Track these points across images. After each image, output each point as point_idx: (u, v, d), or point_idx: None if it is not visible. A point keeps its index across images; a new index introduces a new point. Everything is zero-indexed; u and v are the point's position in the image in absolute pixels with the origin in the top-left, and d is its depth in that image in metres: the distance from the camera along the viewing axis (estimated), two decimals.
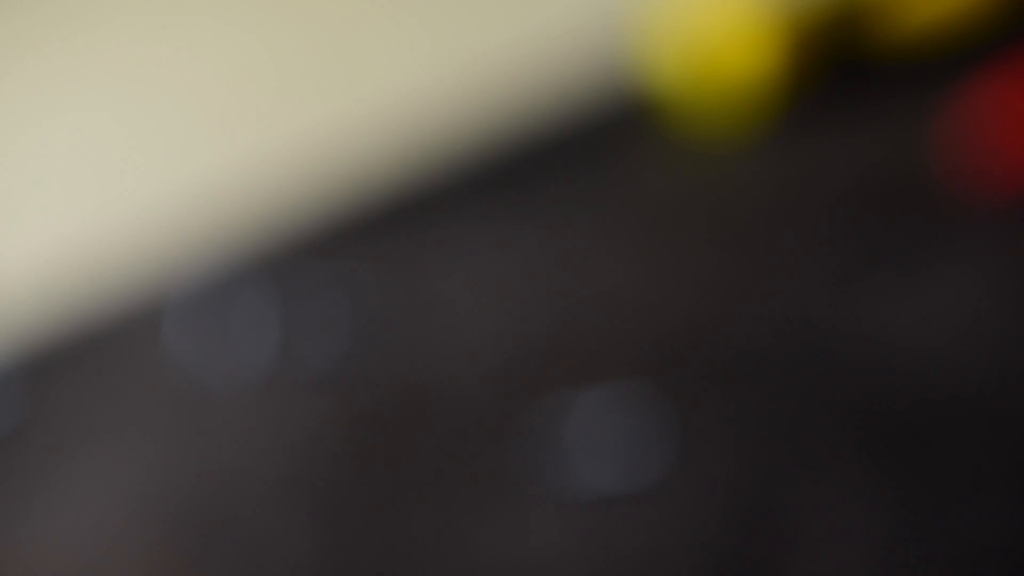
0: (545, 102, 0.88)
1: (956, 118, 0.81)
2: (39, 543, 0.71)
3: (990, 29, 0.85)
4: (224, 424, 0.75)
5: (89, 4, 0.95)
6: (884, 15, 0.86)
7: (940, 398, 0.67)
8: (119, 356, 0.80)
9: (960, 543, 0.61)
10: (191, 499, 0.72)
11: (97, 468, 0.74)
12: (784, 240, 0.78)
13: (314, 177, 0.87)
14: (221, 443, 0.74)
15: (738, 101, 0.85)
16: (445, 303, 0.79)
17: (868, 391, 0.69)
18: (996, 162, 0.78)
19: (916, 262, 0.74)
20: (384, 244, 0.83)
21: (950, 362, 0.69)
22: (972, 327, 0.70)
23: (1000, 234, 0.75)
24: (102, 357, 0.80)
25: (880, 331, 0.71)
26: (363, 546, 0.68)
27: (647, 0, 0.90)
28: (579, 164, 0.85)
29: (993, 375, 0.68)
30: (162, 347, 0.80)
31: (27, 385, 0.79)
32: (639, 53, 0.89)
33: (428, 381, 0.75)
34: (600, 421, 0.70)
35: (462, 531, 0.67)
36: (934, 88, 0.83)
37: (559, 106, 0.88)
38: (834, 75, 0.86)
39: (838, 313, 0.73)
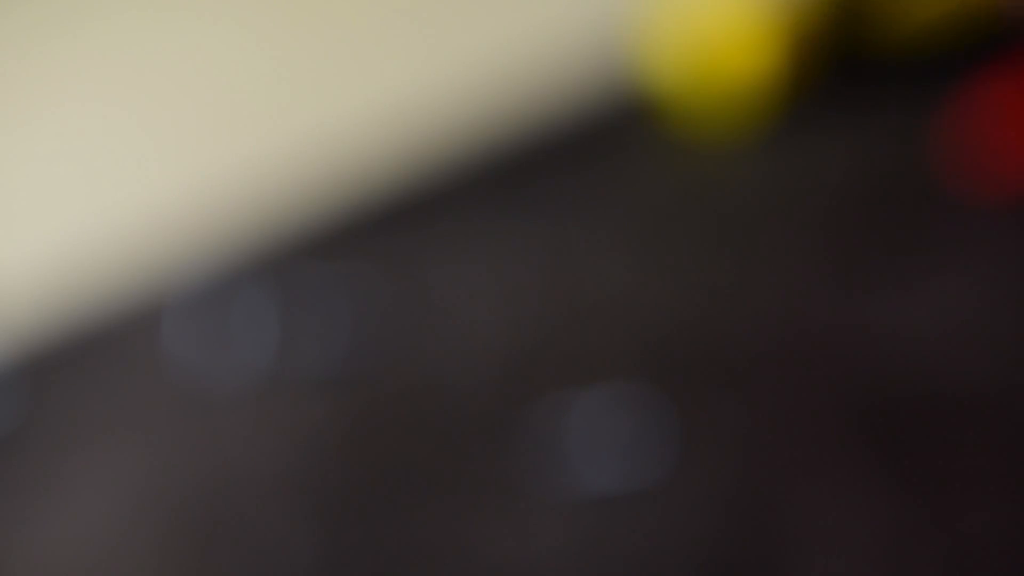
0: (545, 103, 0.88)
1: (956, 118, 0.81)
2: (39, 543, 0.71)
3: (990, 29, 0.85)
4: (224, 424, 0.75)
5: (89, 5, 0.95)
6: (884, 15, 0.86)
7: (940, 398, 0.67)
8: (119, 356, 0.80)
9: (960, 543, 0.61)
10: (191, 499, 0.72)
11: (97, 468, 0.74)
12: (784, 240, 0.78)
13: (314, 177, 0.87)
14: (221, 443, 0.74)
15: (738, 101, 0.85)
16: (445, 303, 0.79)
17: (868, 391, 0.69)
18: (996, 162, 0.78)
19: (916, 262, 0.74)
20: (384, 244, 0.83)
21: (950, 362, 0.69)
22: (972, 327, 0.70)
23: (1000, 234, 0.75)
24: (102, 357, 0.80)
25: (880, 331, 0.71)
26: (363, 545, 0.68)
27: (648, 0, 0.90)
28: (579, 165, 0.85)
29: (993, 375, 0.68)
30: (162, 347, 0.80)
31: (27, 385, 0.79)
32: (640, 53, 0.89)
33: (428, 381, 0.75)
34: (600, 421, 0.70)
35: (462, 531, 0.67)
36: (934, 88, 0.83)
37: (559, 107, 0.88)
38: (834, 75, 0.86)
39: (838, 313, 0.73)
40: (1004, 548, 0.60)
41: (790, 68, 0.86)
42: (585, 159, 0.85)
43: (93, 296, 0.83)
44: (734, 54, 0.85)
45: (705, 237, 0.79)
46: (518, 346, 0.75)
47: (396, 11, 0.95)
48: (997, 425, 0.66)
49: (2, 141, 0.92)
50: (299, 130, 0.90)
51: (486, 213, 0.83)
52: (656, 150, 0.85)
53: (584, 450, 0.69)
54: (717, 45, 0.86)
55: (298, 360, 0.77)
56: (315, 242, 0.83)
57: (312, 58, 0.93)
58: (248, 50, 0.94)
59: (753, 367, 0.71)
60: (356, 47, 0.94)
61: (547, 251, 0.80)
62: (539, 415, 0.71)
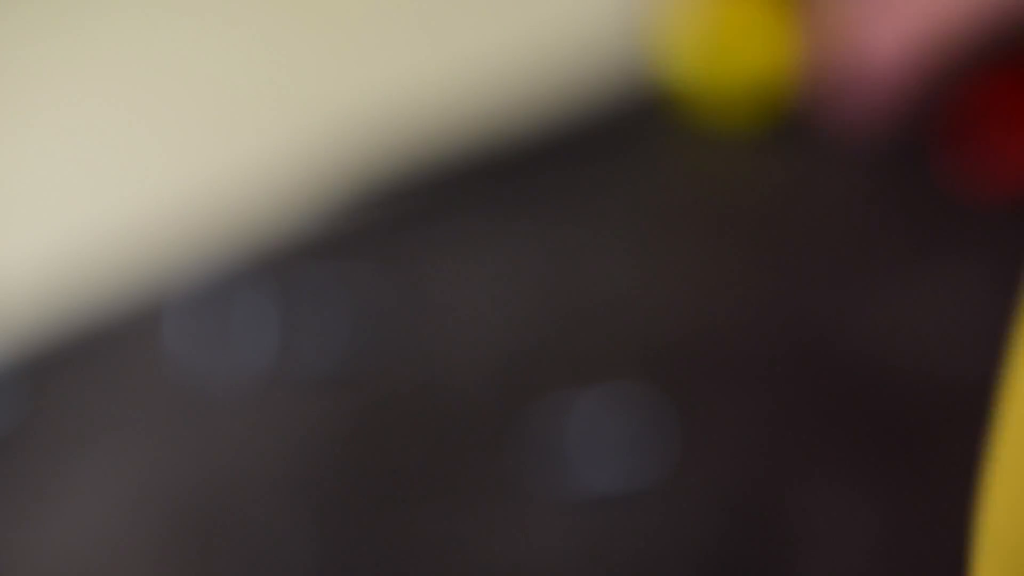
0: (550, 99, 0.88)
1: (956, 118, 0.81)
2: (39, 543, 0.71)
3: (990, 29, 0.85)
4: (224, 424, 0.75)
5: (89, 5, 0.95)
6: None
7: (941, 398, 0.67)
8: (119, 356, 0.79)
9: (960, 543, 0.61)
10: (191, 499, 0.72)
11: (97, 468, 0.74)
12: (784, 239, 0.78)
13: (313, 177, 0.87)
14: (221, 443, 0.74)
15: (751, 96, 0.85)
16: (445, 303, 0.79)
17: (869, 391, 0.68)
18: (996, 162, 0.78)
19: (919, 262, 0.74)
20: (384, 244, 0.83)
21: (951, 362, 0.69)
22: (973, 327, 0.70)
23: (1000, 234, 0.75)
24: (102, 357, 0.79)
25: (881, 331, 0.71)
26: (363, 546, 0.68)
27: None
28: (582, 162, 0.85)
29: (994, 375, 0.68)
30: (162, 347, 0.79)
31: (27, 385, 0.79)
32: (650, 47, 0.89)
33: (428, 381, 0.75)
34: (600, 421, 0.70)
35: (462, 531, 0.67)
36: (934, 88, 0.83)
37: (564, 103, 0.88)
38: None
39: (840, 312, 0.73)
40: None
41: (803, 64, 0.85)
42: (589, 157, 0.85)
43: (93, 296, 0.83)
44: (747, 49, 0.85)
45: (705, 237, 0.79)
46: (518, 346, 0.75)
47: (398, 7, 0.95)
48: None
49: (2, 141, 0.92)
50: (298, 129, 0.90)
51: (487, 212, 0.83)
52: (665, 147, 0.85)
53: (584, 450, 0.69)
54: (730, 40, 0.86)
55: (298, 360, 0.77)
56: (315, 242, 0.83)
57: (312, 57, 0.93)
58: (248, 50, 0.94)
59: (754, 367, 0.71)
60: (357, 45, 0.94)
61: (548, 250, 0.80)
62: (539, 415, 0.71)
